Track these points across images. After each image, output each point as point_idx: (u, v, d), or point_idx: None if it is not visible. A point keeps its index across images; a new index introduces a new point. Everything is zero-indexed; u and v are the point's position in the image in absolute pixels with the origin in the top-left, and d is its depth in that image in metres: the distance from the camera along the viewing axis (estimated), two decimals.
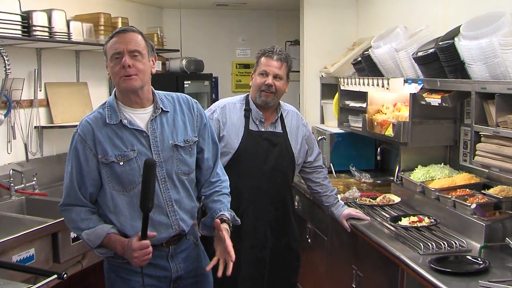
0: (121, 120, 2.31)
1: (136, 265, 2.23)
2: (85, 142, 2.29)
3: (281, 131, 3.10)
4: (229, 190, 2.61)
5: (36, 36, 3.70)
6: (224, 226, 2.37)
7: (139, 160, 2.28)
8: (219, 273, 2.30)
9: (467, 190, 3.05)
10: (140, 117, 2.36)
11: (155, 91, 2.44)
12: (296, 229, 3.22)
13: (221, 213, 2.45)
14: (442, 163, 3.48)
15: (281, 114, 3.14)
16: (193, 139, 2.46)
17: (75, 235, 3.42)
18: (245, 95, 3.17)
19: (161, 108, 2.39)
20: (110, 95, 4.73)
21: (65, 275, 1.87)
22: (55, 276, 1.81)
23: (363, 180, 4.14)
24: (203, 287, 2.56)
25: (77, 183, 2.30)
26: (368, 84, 3.88)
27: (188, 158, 2.45)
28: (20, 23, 3.58)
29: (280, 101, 3.16)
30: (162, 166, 2.35)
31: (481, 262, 2.41)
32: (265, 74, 3.01)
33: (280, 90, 3.04)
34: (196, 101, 2.59)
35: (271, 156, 3.04)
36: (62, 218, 3.21)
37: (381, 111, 3.92)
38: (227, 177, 2.65)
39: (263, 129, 3.06)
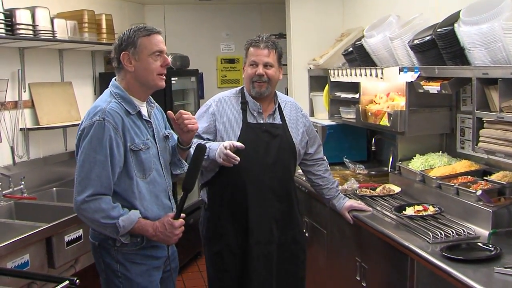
0: (140, 110, 2.47)
1: (172, 242, 2.46)
2: (117, 130, 2.35)
3: (280, 122, 3.04)
4: None
5: (20, 35, 3.58)
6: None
7: (151, 149, 2.48)
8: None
9: (469, 177, 3.04)
10: (143, 109, 2.53)
11: None
12: (301, 222, 3.17)
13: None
14: (440, 151, 3.47)
15: (279, 105, 3.08)
16: (169, 131, 2.70)
17: (70, 239, 3.34)
18: (240, 87, 3.10)
19: (154, 102, 2.64)
20: (95, 94, 4.64)
21: (77, 281, 1.79)
22: (67, 282, 1.73)
23: (357, 171, 4.11)
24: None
25: (112, 170, 2.35)
26: (360, 75, 3.85)
27: (171, 149, 2.69)
28: (3, 21, 3.46)
29: (277, 92, 3.10)
30: (161, 155, 2.56)
31: (493, 249, 2.39)
32: (255, 64, 2.95)
33: (273, 78, 2.97)
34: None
35: (272, 148, 2.97)
36: (55, 222, 3.22)
37: (374, 101, 3.89)
38: None
39: (261, 121, 3.00)
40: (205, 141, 2.90)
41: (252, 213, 2.93)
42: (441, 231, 2.61)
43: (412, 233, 2.69)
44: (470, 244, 2.49)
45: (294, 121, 3.10)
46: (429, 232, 2.61)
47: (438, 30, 2.91)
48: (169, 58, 4.92)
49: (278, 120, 3.04)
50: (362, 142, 4.53)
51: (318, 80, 4.88)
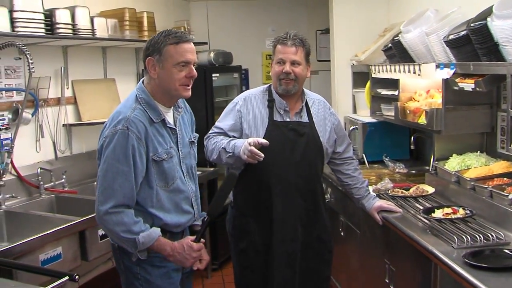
0: (164, 119, 2.43)
1: (189, 264, 2.43)
2: (140, 140, 2.33)
3: (307, 121, 2.99)
4: None
5: (60, 34, 3.68)
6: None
7: (175, 157, 2.45)
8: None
9: (505, 179, 2.88)
10: (169, 116, 2.50)
11: None
12: (327, 220, 3.11)
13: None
14: (478, 151, 3.32)
15: (307, 103, 3.03)
16: (195, 135, 2.67)
17: (103, 233, 3.41)
18: (268, 85, 3.08)
19: (182, 107, 2.59)
20: None
21: (76, 277, 1.82)
22: (67, 277, 1.76)
23: (397, 170, 4.00)
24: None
25: (135, 182, 2.32)
26: (399, 71, 3.74)
27: (196, 153, 2.67)
28: (43, 21, 3.57)
29: (305, 90, 3.05)
30: (184, 162, 2.53)
31: None
32: (282, 62, 2.91)
33: (301, 76, 2.93)
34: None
35: (298, 146, 2.93)
36: (91, 215, 3.29)
37: (413, 98, 3.77)
38: None
39: (288, 119, 2.96)
40: (230, 138, 2.90)
41: (277, 211, 2.90)
42: (468, 236, 2.49)
43: (439, 237, 2.59)
44: (495, 251, 2.36)
45: (321, 119, 3.04)
46: (454, 237, 2.50)
47: (472, 24, 2.78)
48: (211, 55, 5.04)
49: (305, 118, 3.00)
50: (404, 140, 4.38)
51: (361, 76, 4.77)
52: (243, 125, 2.94)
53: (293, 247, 2.93)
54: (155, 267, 2.47)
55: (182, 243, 2.41)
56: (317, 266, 3.05)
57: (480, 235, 2.50)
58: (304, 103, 3.01)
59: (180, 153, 2.50)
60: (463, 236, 2.49)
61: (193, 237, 2.45)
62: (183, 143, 2.53)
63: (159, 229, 2.39)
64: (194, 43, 2.45)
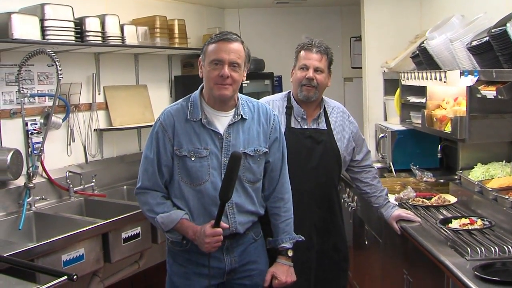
0: (201, 118, 2.43)
1: (206, 250, 2.37)
2: (166, 132, 2.43)
3: (325, 128, 2.98)
4: (292, 210, 2.69)
5: (89, 41, 3.79)
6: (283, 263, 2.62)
7: (210, 159, 2.43)
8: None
9: None
10: (220, 119, 2.47)
11: (240, 95, 2.55)
12: (343, 229, 3.08)
13: (282, 244, 2.61)
14: (504, 161, 3.22)
15: (325, 110, 3.02)
16: (263, 149, 2.54)
17: (127, 236, 3.49)
18: (287, 92, 3.09)
19: (241, 115, 2.49)
20: (171, 96, 4.81)
21: (75, 277, 1.87)
22: (66, 277, 1.81)
23: (424, 179, 3.91)
24: (256, 281, 2.61)
25: (157, 168, 2.44)
26: (426, 78, 3.67)
27: (256, 167, 2.53)
28: (73, 29, 3.68)
29: (324, 97, 3.04)
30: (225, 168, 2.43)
31: None
32: (305, 68, 2.92)
33: (322, 84, 2.93)
34: (275, 113, 2.67)
35: (315, 154, 2.92)
36: (115, 218, 3.37)
37: (441, 106, 3.69)
38: (290, 193, 2.69)
39: (305, 126, 2.96)
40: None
41: None
42: (483, 248, 2.42)
43: (453, 248, 2.53)
44: (506, 264, 2.28)
45: (340, 127, 3.02)
46: (467, 248, 2.43)
47: (493, 30, 2.70)
48: None
49: (323, 125, 2.99)
50: (434, 148, 4.26)
51: (392, 84, 4.70)
52: None
53: (307, 255, 2.91)
54: (176, 263, 2.56)
55: (200, 228, 2.38)
56: (333, 276, 3.02)
57: (496, 247, 2.43)
58: (322, 109, 3.00)
59: (224, 159, 2.42)
60: (478, 248, 2.43)
61: (213, 222, 2.36)
62: (232, 150, 2.40)
63: (183, 212, 2.43)
64: None
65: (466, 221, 2.72)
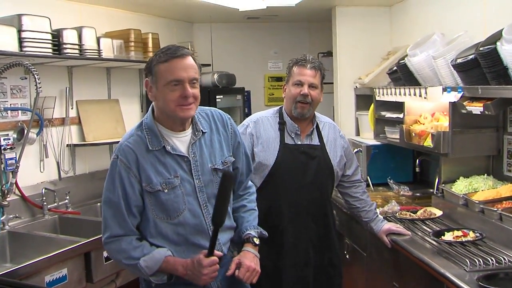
0: (164, 146, 2.23)
1: (203, 283, 2.19)
2: (130, 169, 2.18)
3: (319, 144, 2.99)
4: (255, 203, 2.58)
5: (67, 54, 3.69)
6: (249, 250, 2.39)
7: (182, 187, 2.24)
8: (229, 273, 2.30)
9: None
10: (181, 141, 2.28)
11: None
12: (337, 244, 3.10)
13: (247, 232, 2.43)
14: (485, 174, 3.33)
15: (317, 126, 3.03)
16: (230, 159, 2.41)
17: (108, 255, 3.38)
18: (278, 107, 3.08)
19: (201, 130, 2.33)
20: (142, 111, 4.69)
21: None
22: None
23: (401, 193, 3.99)
24: None
25: (126, 211, 2.19)
26: (404, 94, 3.75)
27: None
28: (50, 41, 3.57)
29: (315, 113, 3.05)
30: (202, 191, 2.29)
31: None
32: (300, 84, 2.91)
33: (316, 100, 2.94)
34: (229, 116, 2.52)
35: (310, 169, 2.93)
36: (96, 237, 3.26)
37: (418, 121, 3.79)
38: (254, 188, 2.64)
39: (299, 142, 2.96)
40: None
41: (288, 234, 2.89)
42: (480, 259, 2.48)
43: (450, 260, 2.58)
44: (509, 274, 2.35)
45: (332, 142, 3.04)
46: (466, 260, 2.49)
47: (481, 48, 2.80)
48: (215, 76, 5.05)
49: (316, 141, 3.00)
50: (408, 163, 4.40)
51: (364, 99, 4.80)
52: (254, 149, 2.93)
53: (305, 271, 2.91)
54: None
55: (193, 260, 2.18)
56: None
57: (492, 258, 2.49)
58: (315, 125, 3.01)
59: (197, 182, 2.27)
60: (475, 259, 2.48)
61: (206, 252, 2.19)
62: (202, 171, 2.28)
63: (165, 249, 2.22)
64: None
65: (459, 233, 2.79)
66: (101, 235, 3.19)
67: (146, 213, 2.24)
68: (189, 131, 2.30)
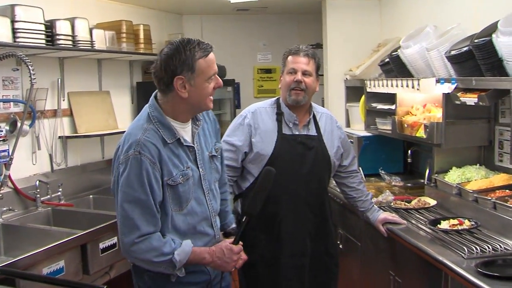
0: (178, 138, 2.23)
1: (230, 268, 2.29)
2: (155, 164, 2.14)
3: (316, 134, 3.01)
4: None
5: (60, 45, 3.66)
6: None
7: (192, 177, 2.26)
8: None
9: (507, 191, 2.95)
10: (186, 132, 2.30)
11: None
12: (334, 234, 3.14)
13: (233, 226, 2.63)
14: (478, 164, 3.39)
15: (314, 116, 3.05)
16: (219, 145, 2.49)
17: (105, 246, 3.38)
18: (276, 98, 3.09)
19: (200, 119, 2.37)
20: (132, 103, 4.67)
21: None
22: None
23: (393, 183, 4.05)
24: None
25: (156, 208, 2.16)
26: (397, 86, 3.80)
27: (219, 165, 2.49)
28: (43, 32, 3.54)
29: (312, 103, 3.08)
30: (205, 179, 2.33)
31: None
32: (294, 71, 2.93)
33: (311, 88, 2.94)
34: None
35: (307, 160, 2.95)
36: (92, 228, 3.26)
37: (410, 112, 3.84)
38: (227, 179, 2.71)
39: (296, 132, 2.98)
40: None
41: (286, 224, 2.92)
42: (477, 246, 2.53)
43: (447, 248, 2.62)
44: (506, 261, 2.41)
45: (329, 133, 3.07)
46: (464, 247, 2.54)
47: (476, 41, 2.84)
48: None
49: (313, 131, 3.02)
50: (398, 153, 4.46)
51: (355, 91, 4.84)
52: (252, 139, 2.94)
53: (302, 261, 2.94)
54: None
55: (221, 247, 2.25)
56: (325, 280, 3.06)
57: (489, 245, 2.55)
58: (311, 115, 3.03)
59: (201, 170, 2.31)
60: (472, 247, 2.53)
61: (231, 240, 2.30)
62: (203, 159, 2.34)
63: (189, 241, 2.23)
64: None
65: (455, 221, 2.84)
66: (96, 227, 3.24)
67: (165, 208, 2.21)
68: (189, 121, 2.33)
